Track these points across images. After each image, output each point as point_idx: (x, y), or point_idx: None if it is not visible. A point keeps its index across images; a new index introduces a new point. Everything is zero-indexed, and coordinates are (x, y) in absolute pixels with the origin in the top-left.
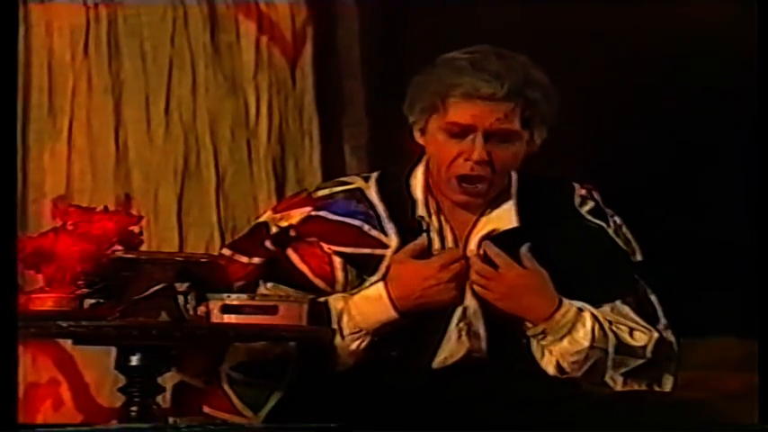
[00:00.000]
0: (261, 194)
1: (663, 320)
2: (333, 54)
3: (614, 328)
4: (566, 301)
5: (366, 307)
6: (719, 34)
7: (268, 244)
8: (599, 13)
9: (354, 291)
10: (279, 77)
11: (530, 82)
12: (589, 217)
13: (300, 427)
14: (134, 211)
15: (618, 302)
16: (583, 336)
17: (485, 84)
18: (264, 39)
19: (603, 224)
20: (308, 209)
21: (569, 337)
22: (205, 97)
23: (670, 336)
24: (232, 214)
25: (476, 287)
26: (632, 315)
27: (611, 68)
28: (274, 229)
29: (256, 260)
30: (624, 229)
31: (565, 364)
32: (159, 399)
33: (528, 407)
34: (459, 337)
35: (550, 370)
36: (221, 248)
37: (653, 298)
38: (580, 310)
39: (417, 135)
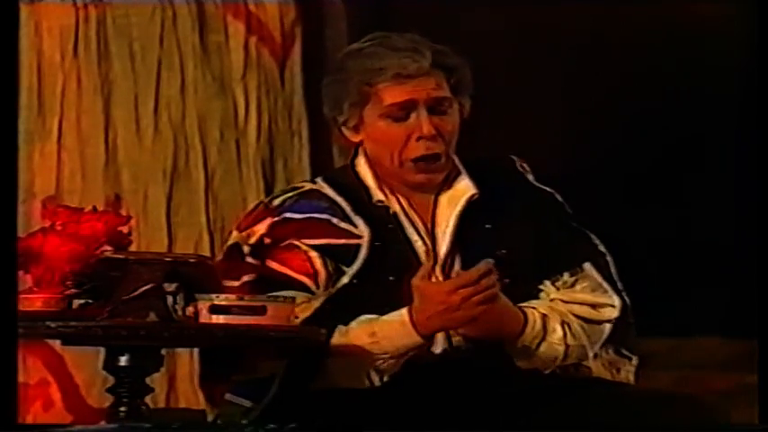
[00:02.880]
0: (250, 195)
1: (619, 283)
2: (321, 54)
3: (581, 313)
4: (528, 311)
5: (391, 332)
6: (706, 32)
7: (249, 260)
8: (587, 12)
9: (335, 288)
10: (268, 78)
11: (440, 51)
12: (537, 184)
13: (296, 428)
14: (123, 212)
15: (587, 265)
16: (557, 340)
17: (409, 61)
18: (253, 39)
19: (550, 189)
20: (269, 219)
21: (545, 344)
22: (194, 98)
23: (626, 298)
24: (221, 214)
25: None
26: (598, 279)
27: (596, 67)
28: (246, 248)
29: (246, 278)
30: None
31: (545, 368)
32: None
33: (514, 405)
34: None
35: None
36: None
37: (609, 259)
38: (544, 315)
39: (351, 133)
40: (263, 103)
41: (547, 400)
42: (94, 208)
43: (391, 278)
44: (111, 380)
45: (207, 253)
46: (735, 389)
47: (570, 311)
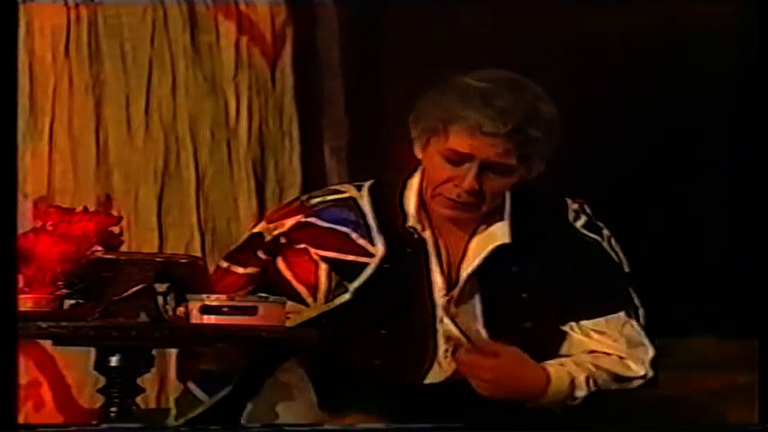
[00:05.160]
0: (241, 195)
1: (648, 338)
2: (313, 55)
3: (606, 365)
4: (552, 369)
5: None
6: (706, 32)
7: (260, 254)
8: (579, 14)
9: (333, 304)
10: (259, 78)
11: (534, 119)
12: (584, 231)
13: None
14: (114, 212)
15: (622, 314)
16: (581, 394)
17: (489, 121)
18: (244, 39)
19: (598, 238)
20: (300, 217)
21: (570, 399)
22: (185, 98)
23: (655, 350)
24: (212, 215)
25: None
26: (633, 330)
27: (588, 69)
28: (268, 239)
29: (251, 270)
30: (613, 240)
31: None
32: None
33: (513, 405)
34: (446, 357)
35: None
36: (220, 260)
37: (641, 312)
38: (571, 373)
39: (417, 149)
40: (254, 103)
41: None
42: (85, 208)
43: (394, 302)
44: (102, 380)
45: (198, 253)
46: (728, 389)
47: (595, 363)
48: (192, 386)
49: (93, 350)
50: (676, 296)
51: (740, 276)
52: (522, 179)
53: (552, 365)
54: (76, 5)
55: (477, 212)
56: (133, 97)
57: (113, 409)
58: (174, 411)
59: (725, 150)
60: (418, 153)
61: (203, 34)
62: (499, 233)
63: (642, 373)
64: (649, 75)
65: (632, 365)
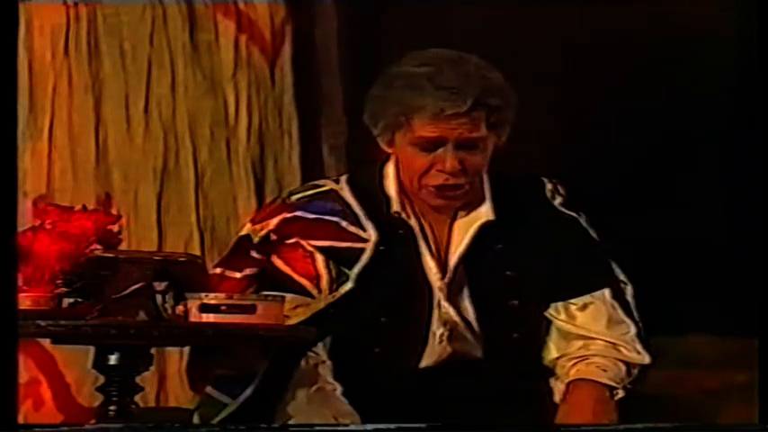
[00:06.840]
0: (240, 194)
1: (636, 313)
2: (312, 53)
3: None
4: (602, 376)
5: None
6: (706, 32)
7: (254, 254)
8: (579, 14)
9: (338, 293)
10: (258, 76)
11: (488, 88)
12: (562, 209)
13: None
14: (113, 210)
15: (606, 291)
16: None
17: (448, 103)
18: (243, 38)
19: (575, 215)
20: (284, 214)
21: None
22: (184, 96)
23: (641, 328)
24: (211, 213)
25: None
26: (617, 308)
27: (587, 69)
28: (257, 240)
29: (248, 272)
30: (589, 220)
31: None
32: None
33: (514, 403)
34: (441, 342)
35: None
36: (212, 267)
37: (628, 289)
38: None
39: (383, 146)
40: (254, 101)
41: (535, 396)
42: (84, 207)
43: (393, 285)
44: (101, 379)
45: (197, 252)
46: (727, 388)
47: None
48: (211, 391)
49: (92, 348)
50: (675, 294)
51: (739, 274)
52: (495, 147)
53: (599, 377)
54: (76, 4)
55: (464, 191)
56: (132, 96)
57: (112, 407)
58: (197, 419)
59: (725, 149)
60: (386, 148)
61: (202, 33)
62: (483, 211)
63: (641, 360)
64: (649, 74)
65: (622, 351)
